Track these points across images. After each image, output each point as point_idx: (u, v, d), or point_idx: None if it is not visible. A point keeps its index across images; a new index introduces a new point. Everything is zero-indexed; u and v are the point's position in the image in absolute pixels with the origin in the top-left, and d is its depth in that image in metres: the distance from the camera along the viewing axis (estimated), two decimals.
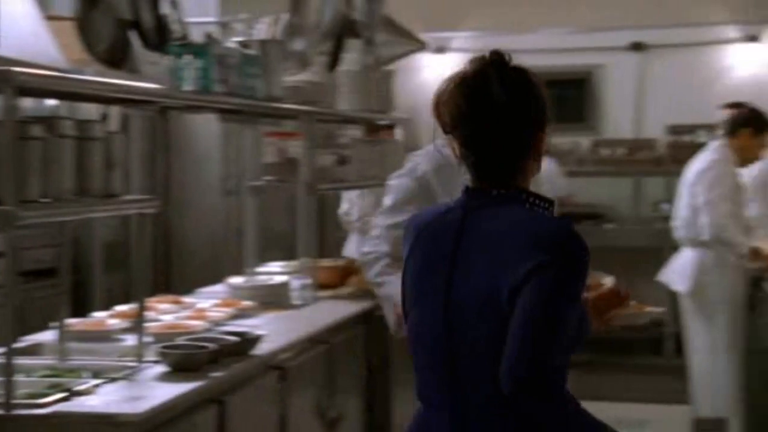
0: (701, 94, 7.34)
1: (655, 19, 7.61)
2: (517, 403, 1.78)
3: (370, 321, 4.22)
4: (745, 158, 5.03)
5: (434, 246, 1.90)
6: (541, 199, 1.89)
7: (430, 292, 1.89)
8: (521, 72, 1.90)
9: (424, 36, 6.31)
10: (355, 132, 5.74)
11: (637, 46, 7.78)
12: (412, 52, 5.06)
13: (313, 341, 3.60)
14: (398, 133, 5.86)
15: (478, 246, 1.84)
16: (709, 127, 6.27)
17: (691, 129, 7.33)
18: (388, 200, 3.19)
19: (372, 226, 3.29)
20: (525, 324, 1.75)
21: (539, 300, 1.75)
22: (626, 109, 7.79)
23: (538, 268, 1.75)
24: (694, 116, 7.25)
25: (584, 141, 7.75)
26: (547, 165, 6.72)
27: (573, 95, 8.12)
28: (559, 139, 7.88)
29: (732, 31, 7.62)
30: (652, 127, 7.67)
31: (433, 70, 8.28)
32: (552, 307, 1.76)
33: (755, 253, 4.91)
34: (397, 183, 3.17)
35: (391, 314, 3.12)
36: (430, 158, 3.07)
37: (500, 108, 1.85)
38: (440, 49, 8.22)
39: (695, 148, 5.69)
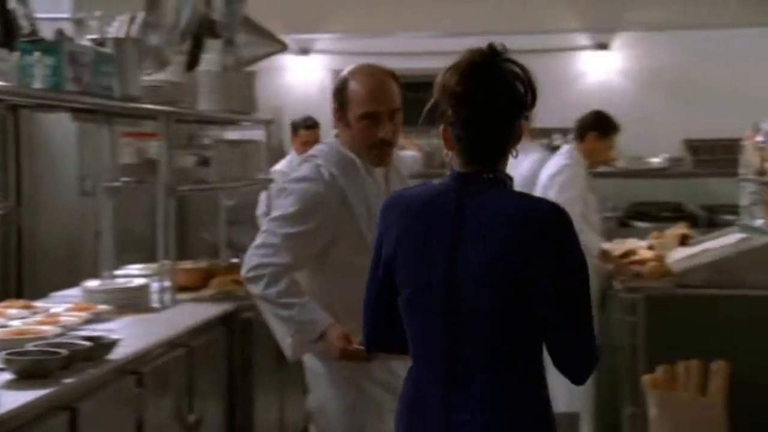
0: (555, 98, 7.56)
1: (511, 25, 7.82)
2: (509, 363, 2.03)
3: (232, 323, 4.20)
4: (594, 161, 5.23)
5: (432, 226, 2.05)
6: (511, 179, 2.09)
7: (430, 267, 2.04)
8: (514, 62, 2.07)
9: (286, 38, 6.32)
10: (218, 133, 5.70)
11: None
12: (274, 53, 5.06)
13: (172, 345, 3.55)
14: (260, 134, 5.86)
15: (477, 227, 2.01)
16: (563, 131, 6.51)
17: (546, 133, 7.58)
18: (290, 206, 2.71)
19: (262, 231, 2.78)
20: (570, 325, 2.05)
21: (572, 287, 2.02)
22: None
23: (543, 254, 1.97)
24: (549, 120, 7.48)
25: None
26: (412, 163, 6.85)
27: None
28: (422, 140, 8.01)
29: (583, 39, 7.92)
30: None
31: (297, 71, 8.31)
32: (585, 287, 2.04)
33: (604, 255, 5.11)
34: (301, 188, 2.72)
35: (288, 338, 2.71)
36: (331, 158, 2.73)
37: (501, 93, 2.02)
38: (303, 51, 8.25)
39: (551, 151, 5.89)
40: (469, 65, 2.02)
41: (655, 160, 7.48)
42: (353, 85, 2.71)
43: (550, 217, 2.01)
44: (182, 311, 4.03)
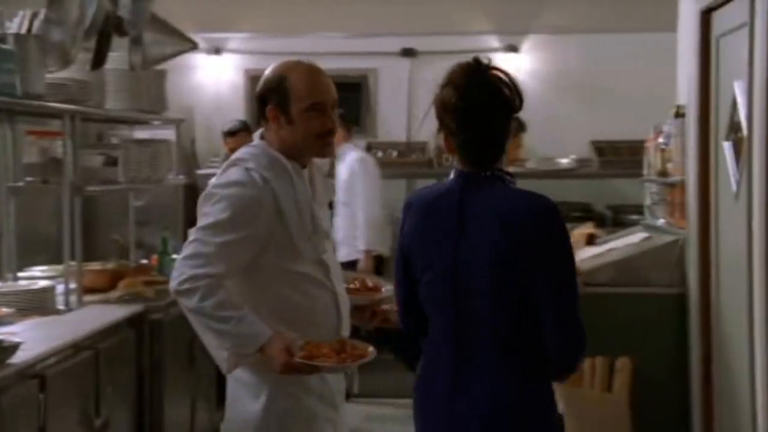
0: None
1: (423, 27, 7.89)
2: (510, 343, 2.29)
3: (140, 325, 4.15)
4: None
5: (440, 219, 2.35)
6: (511, 176, 2.35)
7: (439, 256, 2.33)
8: (499, 70, 2.36)
9: (197, 36, 6.25)
10: (127, 133, 5.61)
11: (408, 52, 8.04)
12: (183, 51, 4.99)
13: (77, 348, 3.50)
14: (171, 134, 5.79)
15: (478, 218, 2.29)
16: None
17: None
18: (221, 213, 2.56)
19: (191, 241, 2.59)
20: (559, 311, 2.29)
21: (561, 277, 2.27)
22: (399, 113, 8.03)
23: (540, 246, 2.24)
24: None
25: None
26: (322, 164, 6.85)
27: (349, 99, 8.28)
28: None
29: (494, 41, 8.02)
30: (423, 131, 7.94)
31: (209, 70, 8.23)
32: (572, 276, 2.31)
33: None
34: (232, 193, 2.58)
35: (223, 352, 2.58)
36: (261, 161, 2.62)
37: (494, 100, 2.31)
38: (215, 50, 8.17)
39: None
40: (464, 80, 2.31)
41: (564, 161, 7.62)
42: (294, 79, 2.65)
43: (546, 210, 2.27)
44: (88, 313, 3.97)
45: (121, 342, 3.94)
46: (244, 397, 2.69)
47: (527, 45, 8.06)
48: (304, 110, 2.64)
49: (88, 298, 4.18)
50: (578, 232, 5.63)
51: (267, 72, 2.71)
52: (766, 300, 3.44)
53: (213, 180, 2.72)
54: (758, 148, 3.50)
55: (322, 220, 2.71)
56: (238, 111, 8.11)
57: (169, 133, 5.80)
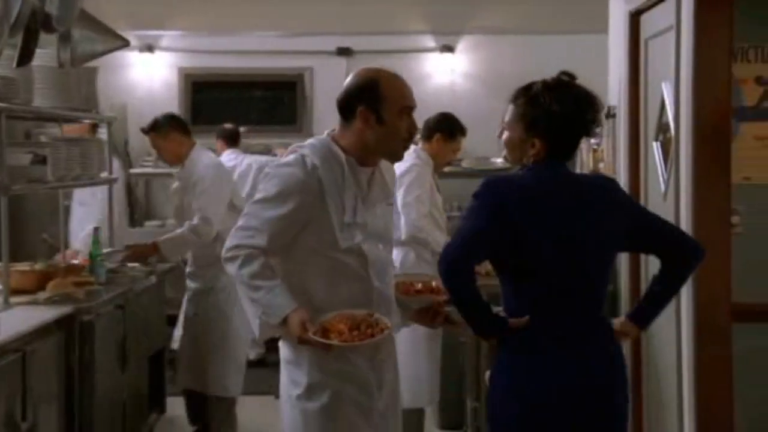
0: None
1: (359, 26, 7.89)
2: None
3: (70, 326, 4.08)
4: (440, 162, 5.33)
5: (547, 198, 2.68)
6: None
7: (564, 239, 2.66)
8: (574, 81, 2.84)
9: (130, 34, 6.17)
10: (55, 131, 5.51)
11: (344, 51, 8.04)
12: (114, 49, 4.92)
13: (3, 350, 3.42)
14: (103, 132, 5.71)
15: (579, 196, 2.71)
16: None
17: None
18: (272, 189, 2.82)
19: (244, 214, 2.85)
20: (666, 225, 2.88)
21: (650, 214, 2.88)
22: (335, 112, 7.97)
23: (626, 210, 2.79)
24: None
25: (296, 142, 7.88)
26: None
27: (285, 97, 8.25)
28: (273, 140, 7.99)
29: (430, 41, 8.06)
30: None
31: (142, 68, 8.13)
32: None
33: None
34: (283, 172, 2.84)
35: (256, 319, 2.78)
36: (317, 152, 2.84)
37: (576, 106, 2.78)
38: (148, 48, 8.08)
39: None
40: (557, 88, 2.75)
41: (499, 161, 7.68)
42: (387, 84, 2.84)
43: (615, 183, 2.89)
44: (15, 315, 3.90)
45: (49, 344, 3.87)
46: (289, 381, 2.89)
47: (462, 45, 8.11)
48: (398, 113, 2.84)
49: (15, 299, 4.10)
50: None
51: (353, 77, 2.91)
52: (693, 297, 3.50)
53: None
54: (684, 149, 3.57)
55: (365, 214, 2.87)
56: (171, 109, 7.99)
57: (100, 132, 5.72)
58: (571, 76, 2.79)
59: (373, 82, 2.85)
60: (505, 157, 2.99)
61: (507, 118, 2.82)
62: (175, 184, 5.25)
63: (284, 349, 2.90)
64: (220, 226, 4.90)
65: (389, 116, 2.83)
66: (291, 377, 2.87)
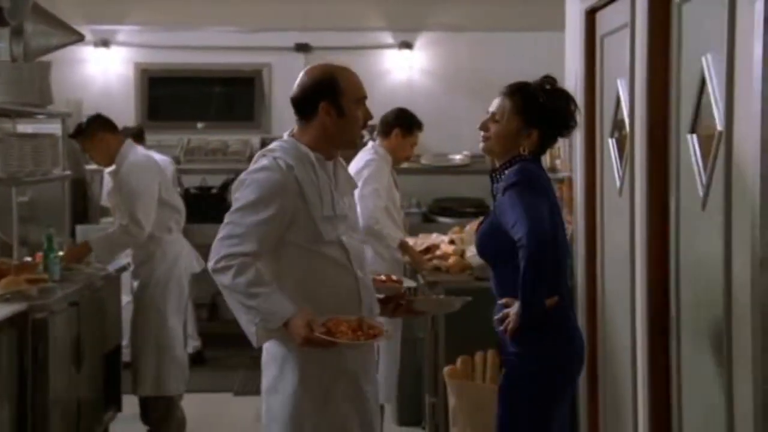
0: None
1: (317, 22, 7.87)
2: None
3: (23, 324, 4.03)
4: (398, 157, 5.34)
5: (554, 195, 3.21)
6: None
7: (561, 224, 3.18)
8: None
9: (85, 28, 6.09)
10: (10, 126, 5.43)
11: (303, 47, 8.01)
12: (69, 43, 4.86)
13: None
14: (57, 128, 5.63)
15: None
16: (370, 128, 6.58)
17: None
18: (251, 195, 2.85)
19: (226, 224, 2.87)
20: None
21: None
22: (293, 109, 7.98)
23: None
24: None
25: (254, 139, 7.85)
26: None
27: (242, 94, 8.20)
28: (231, 136, 7.94)
29: (388, 38, 8.06)
30: None
31: (97, 64, 8.04)
32: None
33: (403, 247, 5.24)
34: (260, 177, 2.88)
35: (252, 326, 2.81)
36: (289, 152, 2.90)
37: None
38: (104, 43, 7.99)
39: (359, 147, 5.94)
40: (552, 85, 3.15)
41: (457, 157, 7.71)
42: (343, 77, 2.95)
43: None
44: None
45: (1, 343, 3.82)
46: (277, 373, 2.94)
47: (421, 42, 8.12)
48: (355, 103, 2.96)
49: None
50: (470, 228, 5.69)
51: (307, 75, 2.98)
52: (647, 294, 3.53)
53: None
54: (639, 145, 3.60)
55: (341, 205, 2.96)
56: (127, 104, 7.95)
57: (55, 128, 5.64)
58: (553, 81, 3.06)
59: (331, 77, 2.94)
60: (486, 150, 3.14)
61: (499, 111, 2.95)
62: (111, 185, 5.23)
63: (274, 346, 2.94)
64: (151, 227, 4.90)
65: (348, 108, 2.94)
66: (283, 373, 2.92)
